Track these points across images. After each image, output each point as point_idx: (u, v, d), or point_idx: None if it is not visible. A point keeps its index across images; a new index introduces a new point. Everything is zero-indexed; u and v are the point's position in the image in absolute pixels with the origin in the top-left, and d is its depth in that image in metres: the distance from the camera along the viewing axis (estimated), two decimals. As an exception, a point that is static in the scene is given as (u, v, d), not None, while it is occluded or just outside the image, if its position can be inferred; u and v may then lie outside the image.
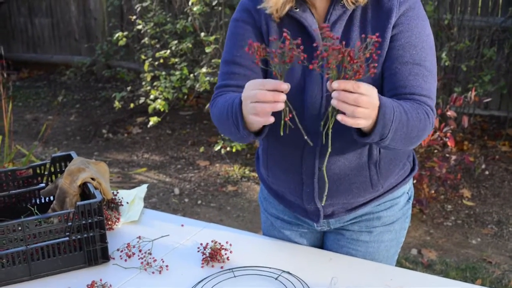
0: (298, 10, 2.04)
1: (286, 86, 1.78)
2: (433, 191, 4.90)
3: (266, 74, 2.13)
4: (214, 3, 6.24)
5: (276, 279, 2.12)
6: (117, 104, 6.43)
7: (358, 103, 1.72)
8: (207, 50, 5.94)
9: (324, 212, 2.24)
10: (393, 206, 2.28)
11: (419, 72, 1.97)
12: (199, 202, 5.31)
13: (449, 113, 4.71)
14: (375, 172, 2.15)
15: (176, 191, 5.52)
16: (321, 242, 2.44)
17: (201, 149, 6.28)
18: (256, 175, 5.66)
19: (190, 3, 6.15)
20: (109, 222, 2.50)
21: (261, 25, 2.12)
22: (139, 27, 6.68)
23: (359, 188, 2.16)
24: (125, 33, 6.80)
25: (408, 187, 2.32)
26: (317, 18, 2.06)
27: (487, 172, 5.56)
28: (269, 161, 2.27)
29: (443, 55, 5.47)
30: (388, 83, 2.01)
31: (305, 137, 1.89)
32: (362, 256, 2.30)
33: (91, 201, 2.20)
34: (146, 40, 6.75)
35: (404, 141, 1.95)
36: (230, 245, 2.29)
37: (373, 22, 1.99)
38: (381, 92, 1.99)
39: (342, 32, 2.01)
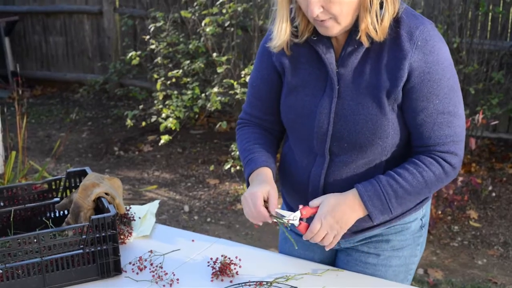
0: (316, 38, 2.11)
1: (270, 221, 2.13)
2: (440, 212, 4.94)
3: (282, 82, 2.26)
4: (226, 24, 6.33)
5: (283, 293, 2.18)
6: (129, 122, 6.51)
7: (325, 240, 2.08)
8: (219, 70, 6.01)
9: None
10: (403, 231, 2.28)
11: (443, 120, 2.03)
12: (209, 219, 5.37)
13: (456, 135, 4.75)
14: None
15: (186, 208, 5.58)
16: (332, 260, 2.47)
17: (211, 168, 6.34)
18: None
19: (203, 24, 6.23)
20: (122, 236, 2.55)
21: (275, 60, 2.23)
22: (152, 46, 6.76)
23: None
24: (138, 52, 6.89)
25: (422, 213, 2.31)
26: (336, 46, 2.11)
27: (494, 194, 5.59)
28: (283, 178, 2.36)
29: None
30: (415, 134, 2.08)
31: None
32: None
33: (105, 215, 2.26)
34: (159, 59, 6.83)
35: (417, 199, 2.14)
36: (240, 260, 2.34)
37: (388, 59, 2.02)
38: (403, 125, 2.10)
39: (357, 63, 2.06)
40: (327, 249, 2.12)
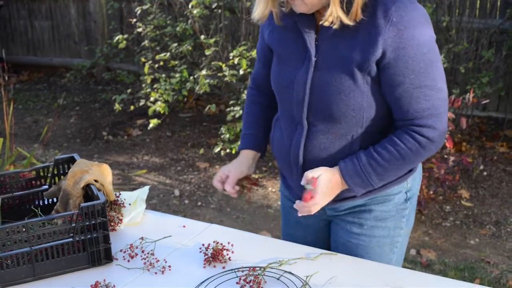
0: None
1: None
2: (431, 192, 4.93)
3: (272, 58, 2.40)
4: (213, 6, 6.27)
5: (278, 279, 2.15)
6: (117, 106, 6.46)
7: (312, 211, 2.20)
8: (207, 52, 5.97)
9: None
10: (386, 202, 2.32)
11: (420, 94, 2.07)
12: (199, 203, 5.34)
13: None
14: None
15: (176, 192, 5.55)
16: (326, 231, 2.54)
17: (201, 151, 6.31)
18: (256, 177, 5.69)
19: (190, 6, 6.18)
20: (112, 223, 2.53)
21: (266, 36, 2.39)
22: (139, 29, 6.71)
23: None
24: (125, 36, 6.83)
25: (406, 187, 2.34)
26: (319, 18, 2.14)
27: (485, 173, 5.59)
28: (273, 144, 2.49)
29: (442, 57, 5.51)
30: (393, 108, 2.14)
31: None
32: (355, 248, 2.38)
33: (94, 202, 2.22)
34: (146, 42, 6.78)
35: (399, 173, 2.24)
36: (232, 245, 2.32)
37: (363, 34, 2.06)
38: (379, 100, 2.15)
39: (334, 37, 2.11)
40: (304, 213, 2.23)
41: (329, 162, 2.21)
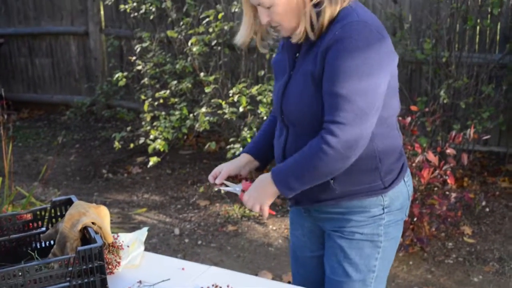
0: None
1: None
2: (433, 229, 4.89)
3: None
4: (213, 43, 6.29)
5: (277, 323, 2.12)
6: (117, 144, 6.44)
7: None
8: (207, 90, 5.97)
9: (292, 198, 2.58)
10: (363, 213, 2.52)
11: (332, 102, 2.29)
12: (200, 242, 5.30)
13: (448, 151, 4.72)
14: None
15: (176, 231, 5.50)
16: (320, 233, 2.75)
17: (201, 189, 6.28)
18: (256, 215, 5.65)
19: (189, 43, 6.20)
20: (110, 266, 2.49)
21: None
22: (139, 67, 6.72)
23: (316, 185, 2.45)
24: (125, 73, 6.84)
25: (384, 203, 2.53)
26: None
27: (487, 209, 5.55)
28: (274, 151, 2.75)
29: (442, 92, 5.51)
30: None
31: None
32: (339, 248, 2.57)
33: (92, 246, 2.20)
34: (145, 80, 6.79)
35: (314, 175, 2.38)
36: (231, 288, 2.30)
37: (320, 48, 2.33)
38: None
39: (305, 53, 2.43)
40: (264, 218, 2.50)
41: None
